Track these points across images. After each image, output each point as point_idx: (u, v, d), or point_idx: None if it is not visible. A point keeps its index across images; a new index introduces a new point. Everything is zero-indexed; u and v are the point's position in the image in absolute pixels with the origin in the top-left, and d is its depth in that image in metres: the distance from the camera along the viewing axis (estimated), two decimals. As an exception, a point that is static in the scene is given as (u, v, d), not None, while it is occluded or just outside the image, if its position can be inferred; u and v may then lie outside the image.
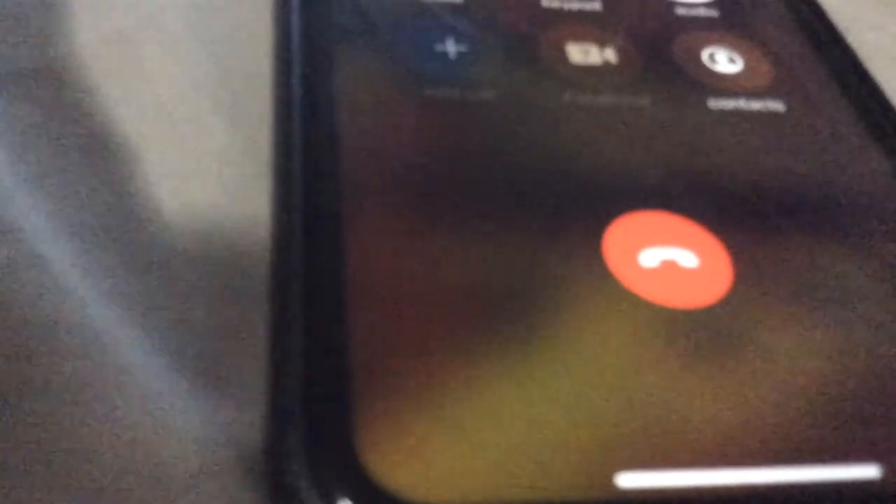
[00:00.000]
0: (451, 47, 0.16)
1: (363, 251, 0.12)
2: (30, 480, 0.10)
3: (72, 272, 0.12)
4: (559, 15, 0.17)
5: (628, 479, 0.10)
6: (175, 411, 0.11)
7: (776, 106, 0.16)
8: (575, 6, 0.17)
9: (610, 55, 0.16)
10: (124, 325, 0.12)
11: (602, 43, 0.16)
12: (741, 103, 0.16)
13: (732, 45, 0.17)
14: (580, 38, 0.16)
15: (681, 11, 0.17)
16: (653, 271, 0.13)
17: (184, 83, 0.15)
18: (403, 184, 0.13)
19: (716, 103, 0.15)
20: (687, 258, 0.13)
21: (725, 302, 0.13)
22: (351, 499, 0.10)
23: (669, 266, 0.13)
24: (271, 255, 0.12)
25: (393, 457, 0.10)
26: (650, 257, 0.13)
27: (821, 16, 0.18)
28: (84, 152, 0.14)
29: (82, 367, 0.11)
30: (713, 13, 0.17)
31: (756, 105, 0.16)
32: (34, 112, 0.14)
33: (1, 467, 0.10)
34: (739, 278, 0.13)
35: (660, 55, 0.16)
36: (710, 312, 0.12)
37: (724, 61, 0.16)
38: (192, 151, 0.14)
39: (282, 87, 0.14)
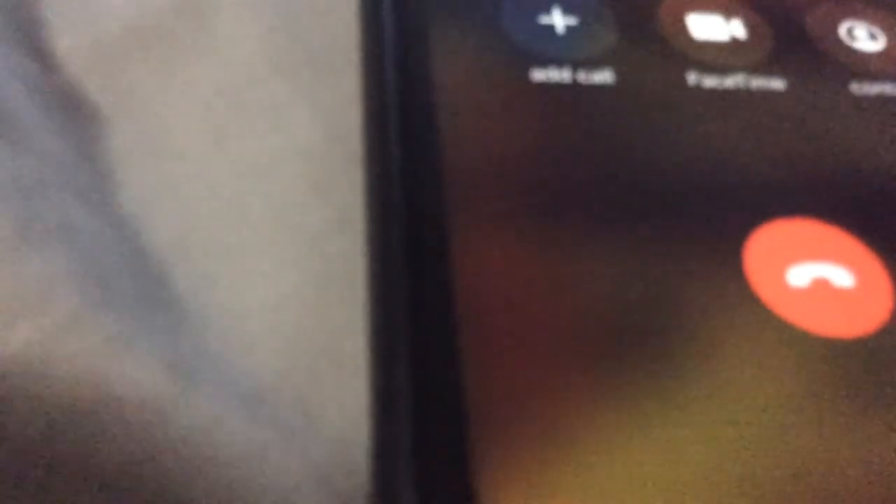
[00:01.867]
0: (558, 20, 0.14)
1: (471, 267, 0.11)
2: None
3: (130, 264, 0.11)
4: (677, -19, 0.15)
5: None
6: (268, 451, 0.10)
7: (927, 91, 0.14)
8: (693, -29, 0.15)
9: (737, 29, 0.14)
10: (213, 351, 0.10)
11: (728, 14, 0.14)
12: (887, 88, 0.14)
13: (872, 19, 0.15)
14: (703, 8, 0.14)
15: (812, -23, 0.15)
16: (802, 292, 0.11)
17: (259, 62, 0.13)
18: (512, 189, 0.12)
19: (859, 88, 0.14)
20: (841, 276, 0.11)
21: (888, 330, 0.11)
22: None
23: (821, 285, 0.11)
24: (367, 273, 0.11)
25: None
26: (799, 275, 0.11)
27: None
28: (143, 138, 0.12)
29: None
30: (849, -21, 0.15)
31: (905, 90, 0.14)
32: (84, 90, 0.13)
33: None
34: (902, 301, 0.11)
35: (792, 29, 0.14)
36: (870, 342, 0.11)
37: (864, 38, 0.14)
38: (270, 142, 0.13)
39: (371, 73, 0.12)
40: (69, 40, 0.13)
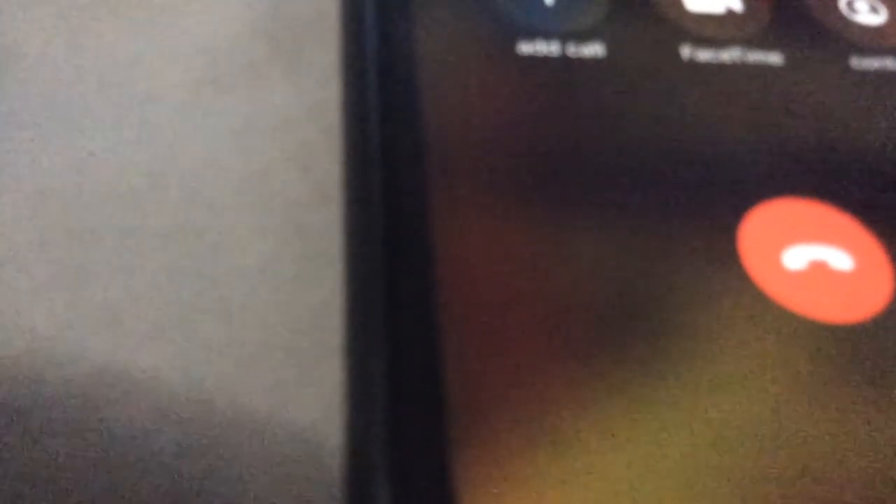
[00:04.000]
0: (547, -10, 0.13)
1: (453, 246, 0.10)
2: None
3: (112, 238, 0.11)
4: (671, -49, 0.14)
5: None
6: (230, 440, 0.09)
7: (930, 66, 0.13)
8: (688, -59, 0.14)
9: (733, 1, 0.14)
10: (193, 321, 0.10)
11: (723, -14, 0.14)
12: (888, 63, 0.13)
13: (874, -9, 0.14)
14: (697, -20, 0.14)
15: (811, -52, 0.15)
16: (799, 275, 0.11)
17: (240, 24, 0.13)
18: (496, 165, 0.11)
19: (859, 62, 0.13)
20: (839, 259, 0.11)
21: (887, 315, 0.10)
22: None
23: (819, 268, 0.11)
24: (344, 250, 0.10)
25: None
26: (796, 257, 0.11)
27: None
28: (119, 100, 0.12)
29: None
30: (849, -49, 0.15)
31: (906, 65, 0.13)
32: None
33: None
34: (902, 285, 0.11)
35: (791, 1, 0.14)
36: (869, 328, 0.10)
37: (865, 10, 0.14)
38: (248, 106, 0.12)
39: (352, 43, 0.12)
40: None
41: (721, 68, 0.13)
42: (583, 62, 0.12)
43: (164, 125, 0.11)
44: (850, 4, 0.14)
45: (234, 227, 0.11)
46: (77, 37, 0.12)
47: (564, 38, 0.13)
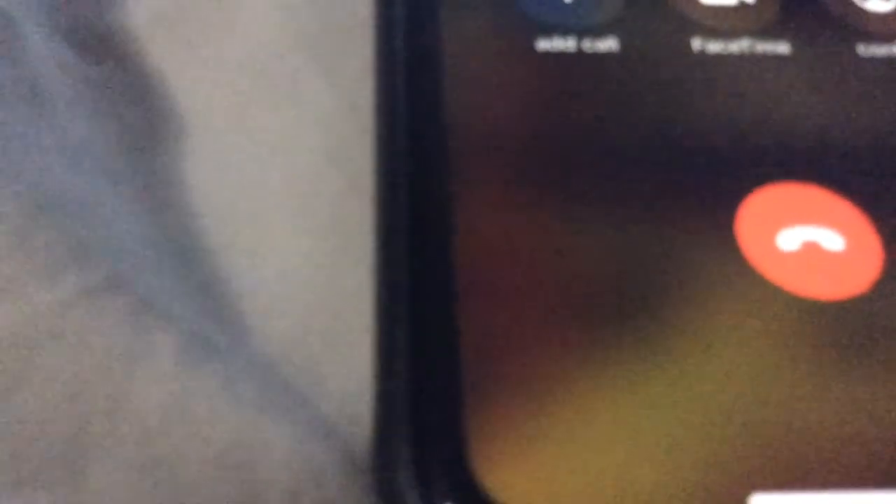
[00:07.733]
0: (566, -12, 0.14)
1: (474, 234, 0.11)
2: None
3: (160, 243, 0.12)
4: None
5: (764, 502, 0.10)
6: (274, 416, 0.10)
7: (937, 52, 0.14)
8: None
9: (744, -8, 0.14)
10: (220, 322, 0.11)
11: (735, -22, 0.14)
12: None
13: (886, -23, 0.15)
14: (711, -28, 0.15)
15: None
16: (792, 255, 0.11)
17: (279, 37, 0.14)
18: (515, 157, 0.12)
19: (866, 50, 0.14)
20: (831, 239, 0.12)
21: (875, 292, 0.11)
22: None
23: (811, 249, 0.11)
24: (375, 239, 0.11)
25: (506, 469, 0.10)
26: (789, 239, 0.12)
27: None
28: (167, 119, 0.13)
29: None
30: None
31: (913, 52, 0.14)
32: (115, 73, 0.13)
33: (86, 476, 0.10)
34: (891, 263, 0.11)
35: (801, -9, 0.14)
36: (857, 304, 0.11)
37: (875, -3, 0.14)
38: (288, 114, 0.13)
39: (382, 45, 0.13)
40: (101, 27, 0.14)
41: (730, 59, 0.13)
42: (598, 57, 0.13)
43: (214, 142, 0.13)
44: (860, -9, 0.14)
45: (278, 229, 0.12)
46: (132, 64, 0.13)
47: (581, 33, 0.13)
